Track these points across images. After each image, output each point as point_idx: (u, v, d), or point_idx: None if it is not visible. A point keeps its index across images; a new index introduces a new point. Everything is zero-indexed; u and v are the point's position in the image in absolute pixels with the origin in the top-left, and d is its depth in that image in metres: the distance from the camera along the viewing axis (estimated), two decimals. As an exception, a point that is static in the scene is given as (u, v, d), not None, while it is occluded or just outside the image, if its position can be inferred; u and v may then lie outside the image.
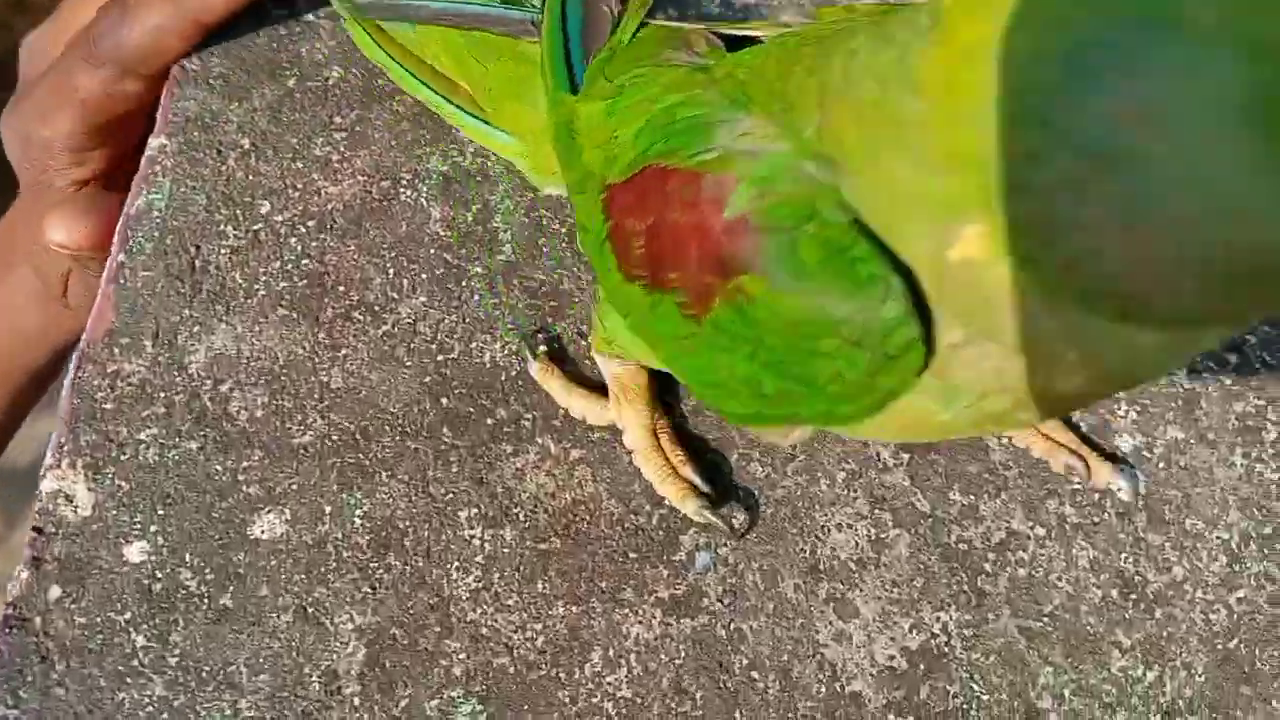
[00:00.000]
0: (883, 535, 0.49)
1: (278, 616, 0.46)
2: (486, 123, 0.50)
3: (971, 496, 0.50)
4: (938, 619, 0.48)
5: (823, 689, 0.46)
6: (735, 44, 0.41)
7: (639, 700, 0.45)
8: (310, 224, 0.54)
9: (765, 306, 0.31)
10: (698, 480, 0.46)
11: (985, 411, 0.31)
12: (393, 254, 0.53)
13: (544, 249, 0.54)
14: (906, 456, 0.51)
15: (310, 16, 0.60)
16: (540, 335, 0.51)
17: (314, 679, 0.45)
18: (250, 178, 0.55)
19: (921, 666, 0.47)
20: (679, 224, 0.34)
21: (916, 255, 0.28)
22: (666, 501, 0.48)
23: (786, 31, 0.39)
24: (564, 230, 0.54)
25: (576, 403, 0.48)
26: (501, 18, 0.50)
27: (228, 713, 0.44)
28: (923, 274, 0.28)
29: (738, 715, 0.45)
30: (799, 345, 0.31)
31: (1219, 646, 0.48)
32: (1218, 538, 0.50)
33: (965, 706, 0.46)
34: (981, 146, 0.23)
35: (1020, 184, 0.22)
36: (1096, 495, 0.50)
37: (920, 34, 0.26)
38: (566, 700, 0.45)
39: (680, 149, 0.34)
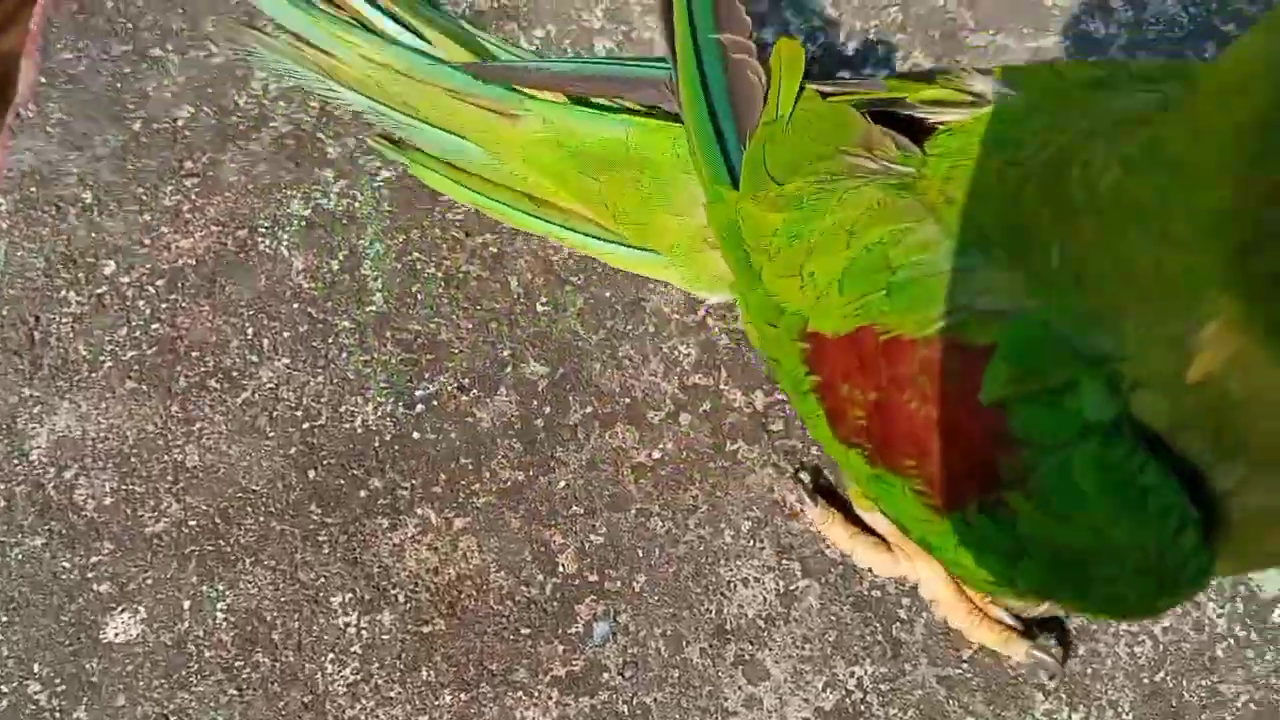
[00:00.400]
0: (792, 587, 0.47)
1: (136, 727, 0.43)
2: (624, 244, 0.44)
3: (885, 538, 0.48)
4: (852, 674, 0.46)
5: (733, 760, 0.44)
6: (911, 128, 0.35)
7: (536, 789, 0.43)
8: (160, 283, 0.51)
9: (1034, 525, 0.27)
10: (1008, 619, 0.43)
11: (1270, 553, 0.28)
12: (251, 312, 0.50)
13: (418, 296, 0.51)
14: (818, 500, 0.49)
15: (156, 50, 0.56)
16: (805, 470, 0.47)
17: (178, 794, 0.42)
18: (93, 235, 0.52)
19: (837, 727, 0.45)
20: (917, 411, 0.29)
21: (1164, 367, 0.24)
22: (979, 646, 0.44)
23: (995, 126, 0.31)
24: (439, 274, 0.51)
25: (863, 553, 0.43)
26: (631, 78, 0.43)
27: None
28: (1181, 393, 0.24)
29: (643, 796, 0.43)
30: (1073, 566, 0.28)
31: (1145, 680, 0.47)
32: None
33: (884, 766, 0.45)
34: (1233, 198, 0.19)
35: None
36: (1016, 528, 0.49)
37: (1172, 122, 0.22)
38: (457, 796, 0.43)
39: (908, 313, 0.29)
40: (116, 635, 0.43)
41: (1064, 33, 0.61)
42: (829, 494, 0.46)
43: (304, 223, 0.51)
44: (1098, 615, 0.29)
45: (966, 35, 0.59)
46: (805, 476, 0.45)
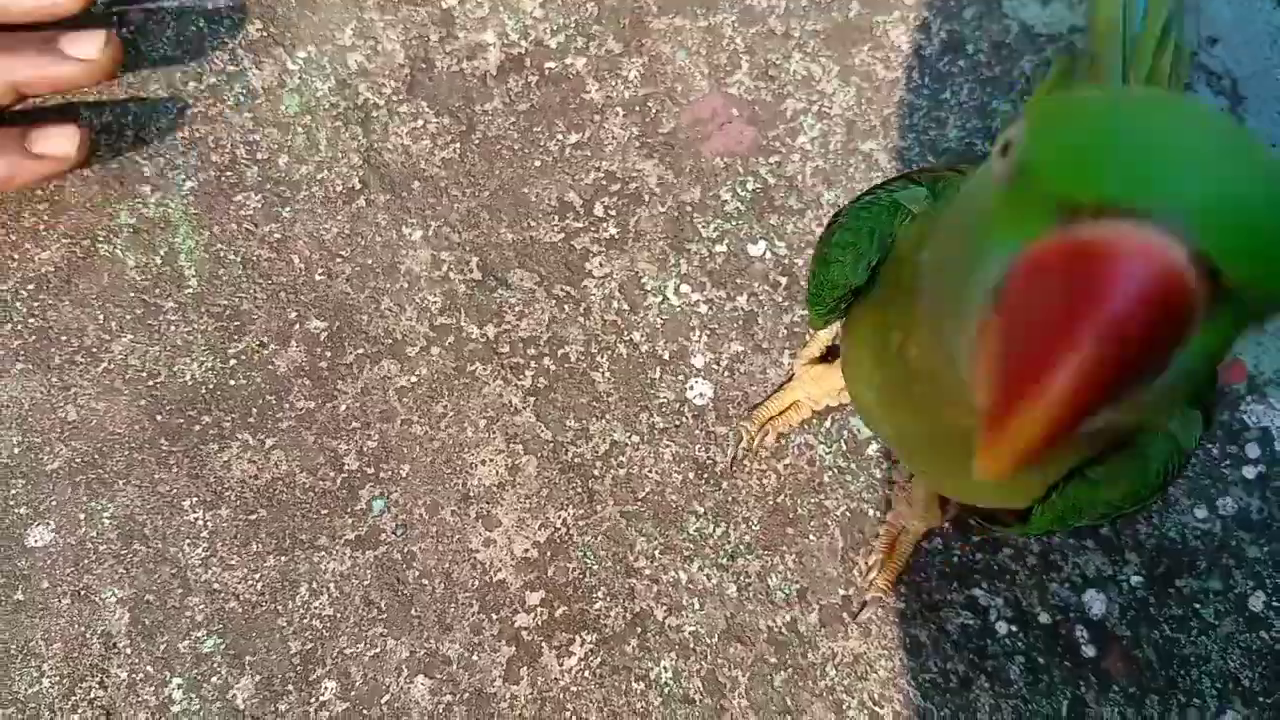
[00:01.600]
0: (516, 462, 0.72)
1: (59, 601, 0.69)
2: None
3: (584, 421, 0.73)
4: (559, 517, 0.72)
5: (476, 582, 0.70)
6: None
7: (338, 615, 0.69)
8: (30, 288, 0.74)
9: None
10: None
11: None
12: (100, 303, 0.74)
13: (223, 277, 0.74)
14: (533, 400, 0.74)
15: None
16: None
17: (94, 641, 0.68)
18: None
19: (549, 553, 0.71)
20: None
21: None
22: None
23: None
24: (238, 259, 0.75)
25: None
26: None
27: (35, 675, 0.68)
28: None
29: (414, 610, 0.70)
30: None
31: (770, 501, 0.73)
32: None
33: (582, 574, 0.71)
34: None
35: None
36: (678, 404, 0.74)
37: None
38: (284, 625, 0.69)
39: None
40: (36, 542, 0.68)
41: (731, 8, 0.82)
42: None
43: (131, 229, 0.74)
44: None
45: (651, 20, 0.81)
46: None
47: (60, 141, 0.66)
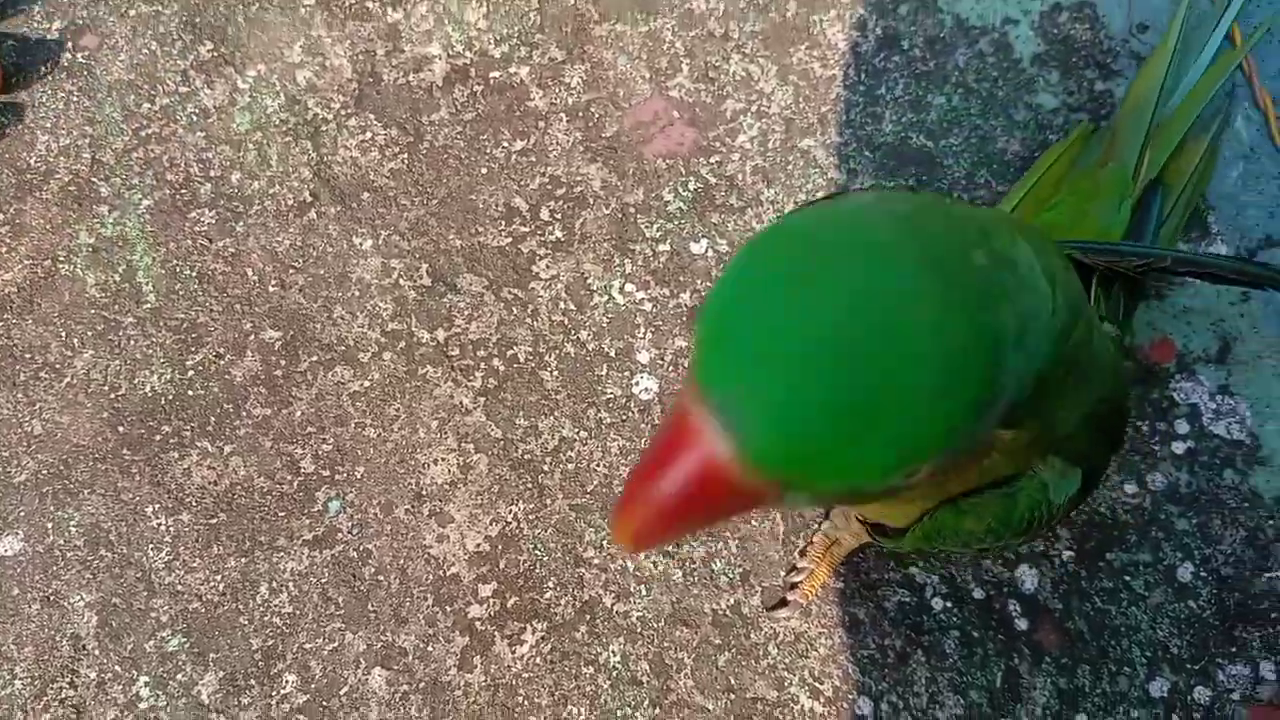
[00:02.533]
0: (468, 461, 0.81)
1: (29, 606, 0.77)
2: None
3: (533, 419, 0.82)
4: (510, 512, 0.80)
5: (430, 576, 0.78)
6: None
7: (297, 612, 0.77)
8: None
9: None
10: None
11: None
12: (62, 320, 0.82)
13: (180, 292, 0.83)
14: (483, 400, 0.82)
15: None
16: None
17: (64, 643, 0.77)
18: None
19: (500, 546, 0.79)
20: None
21: None
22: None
23: None
24: (194, 273, 0.83)
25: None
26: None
27: (7, 677, 0.76)
28: None
29: (370, 605, 0.78)
30: None
31: None
32: (711, 414, 0.82)
33: (533, 566, 0.79)
34: None
35: None
36: (625, 399, 0.82)
37: None
38: (245, 623, 0.77)
39: None
40: (5, 551, 0.77)
41: (671, 12, 0.90)
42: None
43: (90, 249, 0.83)
44: None
45: (593, 27, 0.89)
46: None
47: None
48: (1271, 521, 0.77)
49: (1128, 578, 0.77)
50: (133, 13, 0.90)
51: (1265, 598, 0.76)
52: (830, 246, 0.27)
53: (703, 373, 0.27)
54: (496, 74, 0.88)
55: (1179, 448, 0.79)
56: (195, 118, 0.85)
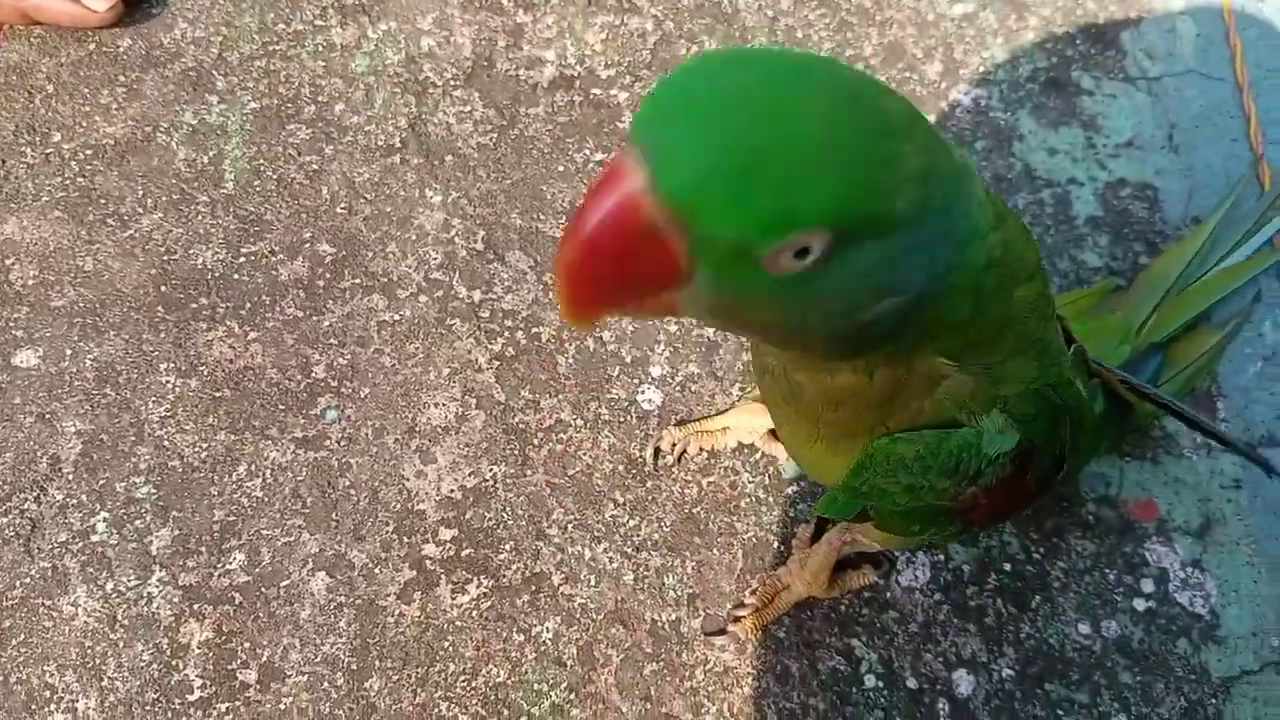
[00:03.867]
0: (467, 413, 0.93)
1: (25, 418, 0.89)
2: None
3: (538, 395, 0.94)
4: (491, 471, 0.91)
5: (399, 506, 0.90)
6: None
7: (266, 499, 0.89)
8: (88, 152, 0.98)
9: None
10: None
11: None
12: (144, 180, 0.97)
13: (257, 188, 0.98)
14: (497, 364, 0.95)
15: None
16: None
17: (43, 460, 0.88)
18: (49, 114, 1.00)
19: (472, 499, 0.91)
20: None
21: None
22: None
23: None
24: (274, 176, 0.99)
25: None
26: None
27: None
28: None
29: (335, 515, 0.89)
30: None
31: (686, 510, 0.92)
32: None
33: (496, 525, 0.90)
34: None
35: None
36: (627, 403, 0.95)
37: None
38: (215, 493, 0.89)
39: None
40: (22, 363, 0.90)
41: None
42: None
43: (191, 129, 0.99)
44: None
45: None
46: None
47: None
48: (1213, 700, 0.87)
49: (1060, 712, 0.87)
50: (298, -52, 1.10)
51: (1191, 774, 0.85)
52: (763, 59, 0.38)
53: (633, 129, 0.36)
54: (598, 91, 1.05)
55: (1140, 605, 0.90)
56: (321, 48, 1.03)
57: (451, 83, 1.04)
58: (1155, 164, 1.07)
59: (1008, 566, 0.90)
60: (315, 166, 0.99)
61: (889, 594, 0.89)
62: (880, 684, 0.86)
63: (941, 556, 0.90)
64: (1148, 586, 0.91)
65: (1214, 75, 1.12)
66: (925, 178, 0.39)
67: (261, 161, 0.99)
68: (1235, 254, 0.99)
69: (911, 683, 0.86)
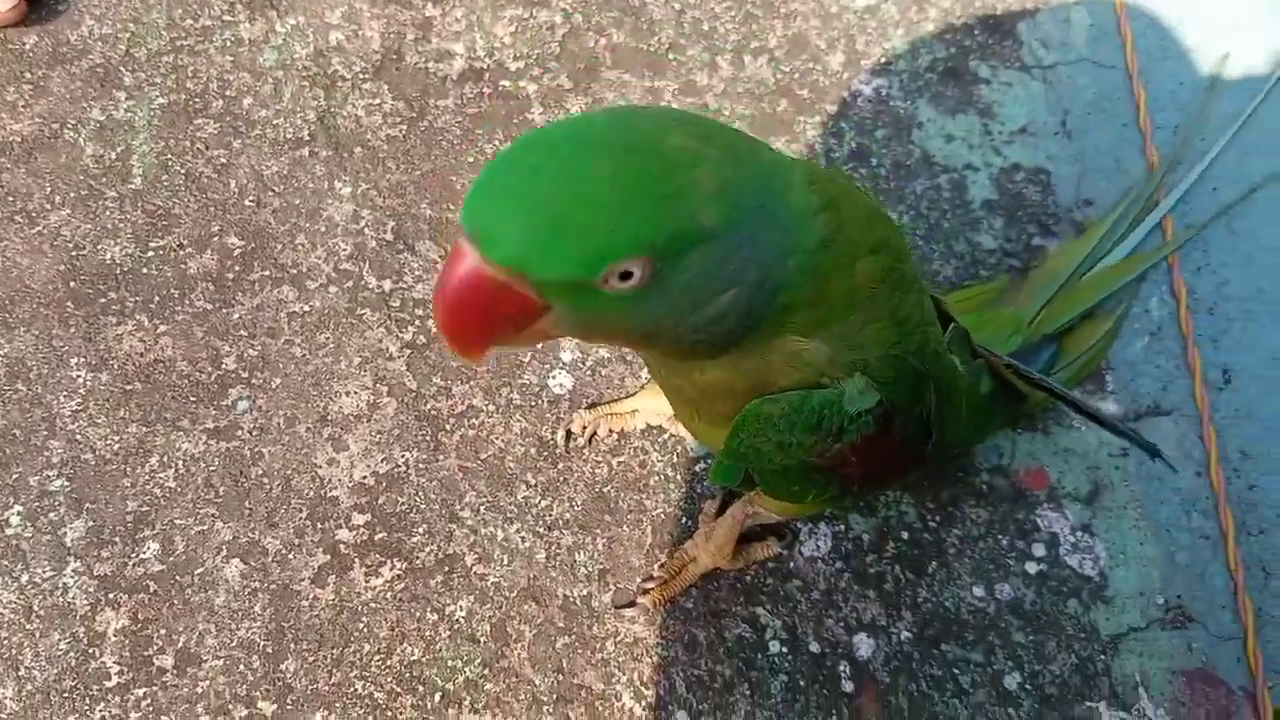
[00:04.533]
0: (378, 401, 1.00)
1: (-68, 416, 0.94)
2: None
3: (449, 382, 1.01)
4: (403, 457, 0.98)
5: (311, 493, 0.96)
6: None
7: (178, 489, 0.95)
8: None
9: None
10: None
11: None
12: (51, 176, 1.03)
13: (165, 182, 1.04)
14: (408, 352, 1.02)
15: None
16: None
17: (-48, 457, 0.94)
18: None
19: (385, 484, 0.97)
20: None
21: None
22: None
23: None
24: (182, 171, 1.05)
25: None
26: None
27: None
28: None
29: (248, 503, 0.95)
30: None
31: (597, 490, 0.99)
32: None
33: (409, 510, 0.97)
34: None
35: None
36: (539, 388, 1.02)
37: None
38: (128, 485, 0.94)
39: None
40: None
41: (676, 78, 1.16)
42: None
43: (99, 125, 1.05)
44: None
45: (604, 70, 1.15)
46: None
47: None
48: (1103, 656, 0.96)
49: (956, 671, 0.95)
50: (203, -56, 1.16)
51: (1081, 727, 0.94)
52: (556, 135, 0.48)
53: (463, 216, 0.48)
54: (506, 83, 1.12)
55: (1031, 568, 0.99)
56: (229, 43, 1.09)
57: (360, 76, 1.11)
58: (1048, 149, 1.17)
59: (905, 535, 0.98)
60: (223, 160, 1.05)
61: (792, 564, 0.97)
62: (784, 649, 0.94)
63: (842, 527, 0.98)
64: (1039, 550, 1.00)
65: (1106, 63, 1.22)
66: (725, 191, 0.49)
67: (169, 156, 1.05)
68: (1126, 242, 1.09)
69: (814, 647, 0.94)
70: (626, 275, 0.48)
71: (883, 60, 1.21)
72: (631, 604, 0.95)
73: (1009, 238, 1.13)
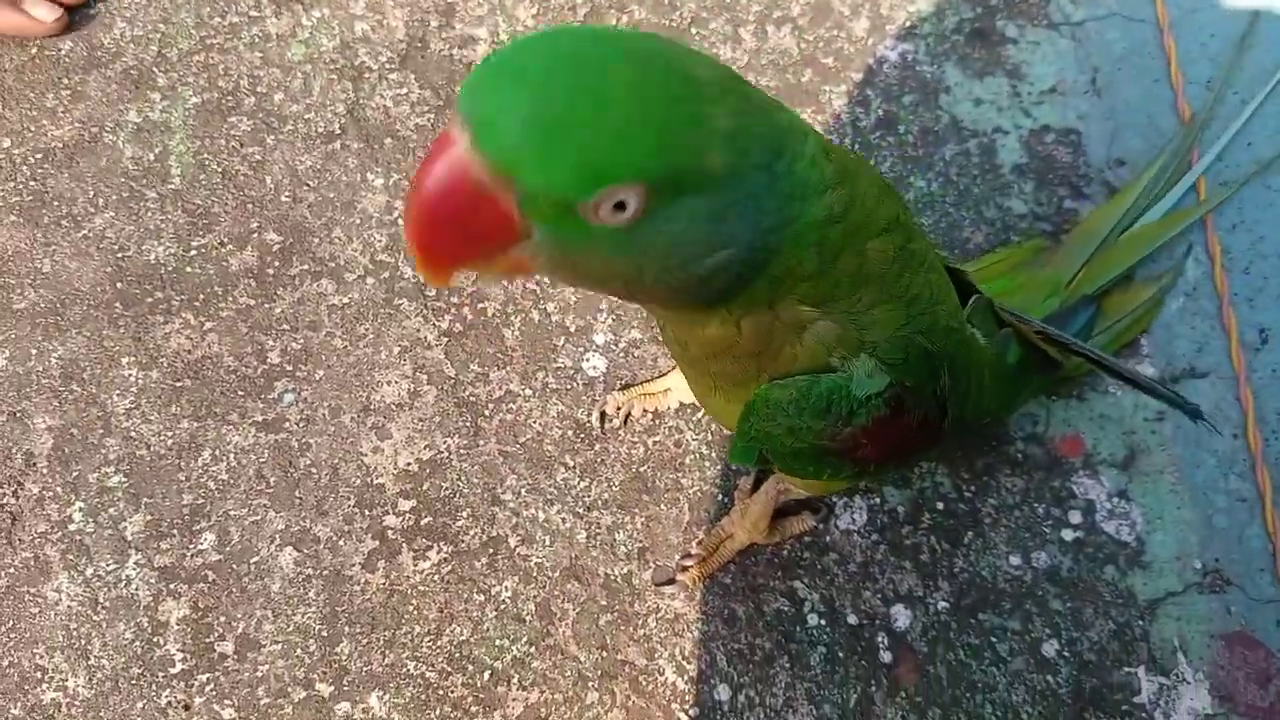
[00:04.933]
0: (418, 389, 1.02)
1: (-6, 419, 0.98)
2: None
3: (486, 368, 1.04)
4: (445, 443, 1.01)
5: (358, 480, 0.99)
6: None
7: (231, 481, 0.98)
8: (39, 156, 1.07)
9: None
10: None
11: None
12: (94, 180, 1.06)
13: (203, 181, 1.07)
14: (446, 340, 1.04)
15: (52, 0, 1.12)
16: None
17: (18, 456, 0.98)
18: None
19: (428, 470, 1.00)
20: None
21: None
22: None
23: None
24: (219, 169, 1.07)
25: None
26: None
27: None
28: None
29: (298, 493, 0.98)
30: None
31: (634, 470, 1.02)
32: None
33: (453, 494, 1.00)
34: None
35: None
36: (573, 370, 1.04)
37: None
38: (182, 479, 0.98)
39: None
40: None
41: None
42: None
43: (135, 127, 1.07)
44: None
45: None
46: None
47: (43, 9, 1.06)
48: (1140, 622, 0.97)
49: (994, 639, 0.97)
50: (229, -60, 1.18)
51: (1120, 689, 0.96)
52: (585, 32, 0.45)
53: (460, 98, 0.43)
54: (533, 67, 1.13)
55: (1068, 535, 1.00)
56: (257, 39, 1.11)
57: (387, 66, 1.12)
58: (1078, 108, 1.16)
59: (940, 505, 1.00)
60: (258, 157, 1.07)
61: (828, 538, 0.99)
62: (822, 622, 0.96)
63: (877, 500, 1.00)
64: (1075, 518, 1.01)
65: (1135, 17, 1.20)
66: (736, 138, 0.46)
67: (206, 155, 1.07)
68: (1163, 201, 1.08)
69: (852, 619, 0.96)
70: (620, 207, 0.44)
71: (908, 24, 1.20)
72: (670, 581, 0.97)
73: (1040, 201, 1.12)
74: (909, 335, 0.64)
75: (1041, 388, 1.01)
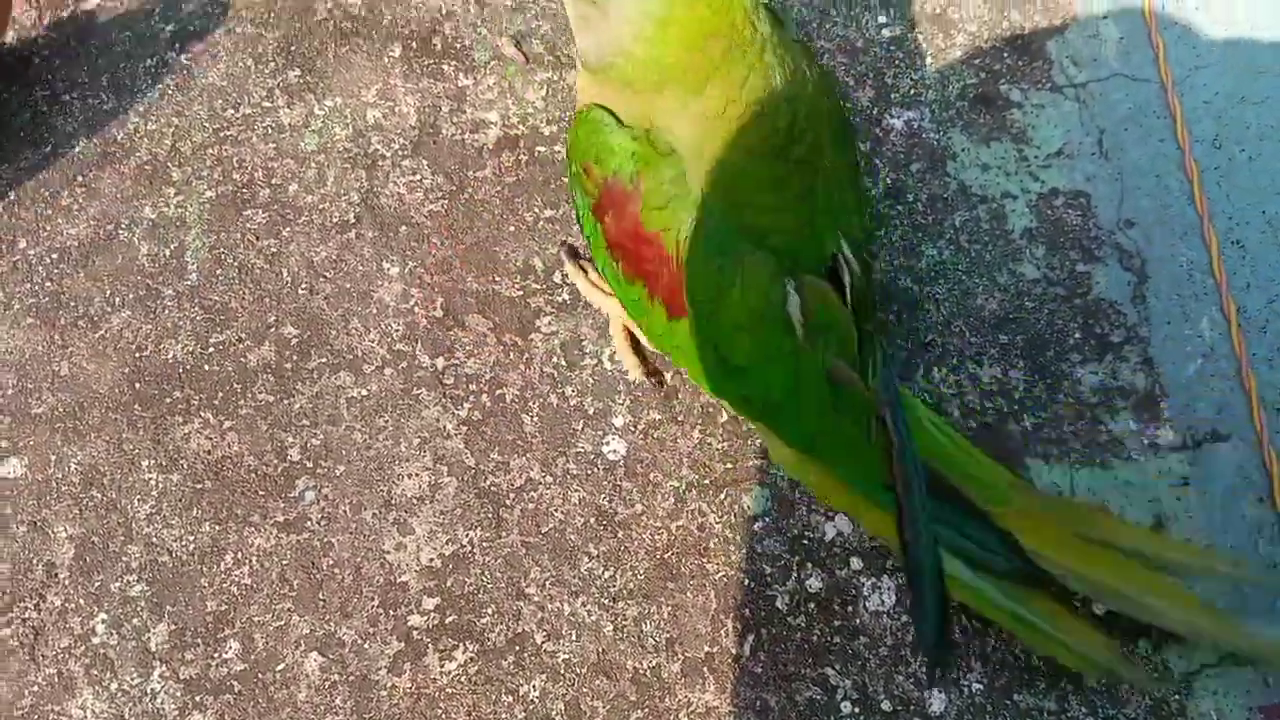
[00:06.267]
0: (439, 481, 0.92)
1: (17, 527, 0.88)
2: None
3: (506, 456, 0.93)
4: (467, 536, 0.90)
5: (382, 579, 0.88)
6: None
7: (254, 585, 0.87)
8: (54, 256, 0.96)
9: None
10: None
11: None
12: (110, 279, 0.95)
13: (220, 277, 0.96)
14: (465, 429, 0.93)
15: (66, 96, 1.01)
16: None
17: (39, 568, 0.87)
18: (13, 220, 0.97)
19: (451, 566, 0.89)
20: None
21: None
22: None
23: None
24: (235, 263, 0.96)
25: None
26: None
27: None
28: None
29: (321, 594, 0.88)
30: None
31: (658, 556, 0.91)
32: (671, 486, 0.93)
33: (477, 590, 0.89)
34: None
35: None
36: (594, 455, 0.93)
37: None
38: (205, 585, 0.87)
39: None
40: (9, 473, 0.88)
41: None
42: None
43: (150, 223, 0.96)
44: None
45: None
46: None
47: None
48: (1177, 696, 0.86)
49: None
50: (239, 30, 1.07)
51: (1156, 767, 0.84)
52: None
53: None
54: (542, 149, 1.02)
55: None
56: (271, 130, 1.00)
57: (400, 153, 1.01)
58: (1086, 170, 1.05)
59: (968, 585, 0.88)
60: (274, 249, 0.97)
61: (858, 620, 0.88)
62: (856, 709, 0.85)
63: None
64: (1104, 590, 0.89)
65: (1138, 76, 1.10)
66: None
67: (222, 250, 0.96)
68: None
69: (886, 705, 0.86)
70: None
71: (912, 91, 1.09)
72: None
73: (1052, 266, 1.01)
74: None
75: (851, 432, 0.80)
